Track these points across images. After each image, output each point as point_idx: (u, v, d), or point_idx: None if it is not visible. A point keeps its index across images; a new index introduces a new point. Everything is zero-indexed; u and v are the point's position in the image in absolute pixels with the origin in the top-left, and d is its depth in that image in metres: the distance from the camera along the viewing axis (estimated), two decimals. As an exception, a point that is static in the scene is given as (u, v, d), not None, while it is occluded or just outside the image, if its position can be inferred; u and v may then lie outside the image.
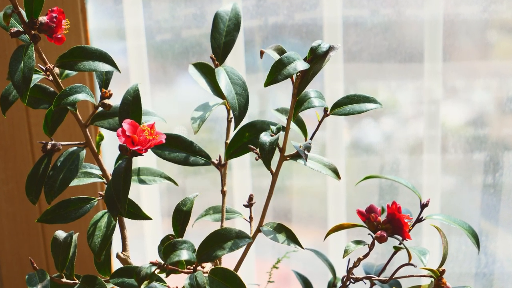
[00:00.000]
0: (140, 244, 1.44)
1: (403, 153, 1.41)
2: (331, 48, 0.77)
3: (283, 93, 1.35)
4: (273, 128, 0.79)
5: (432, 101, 1.33)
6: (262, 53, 0.80)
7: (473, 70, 1.36)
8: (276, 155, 0.82)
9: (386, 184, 1.38)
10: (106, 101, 0.81)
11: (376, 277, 0.80)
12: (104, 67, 0.80)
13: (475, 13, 1.30)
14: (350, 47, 1.31)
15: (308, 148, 0.77)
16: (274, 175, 0.79)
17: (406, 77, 1.37)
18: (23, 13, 0.76)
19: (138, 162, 1.02)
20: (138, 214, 0.82)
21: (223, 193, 0.86)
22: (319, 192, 1.44)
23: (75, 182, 0.81)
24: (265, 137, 0.79)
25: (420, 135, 1.34)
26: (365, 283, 0.85)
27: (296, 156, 0.78)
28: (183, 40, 1.35)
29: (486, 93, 1.36)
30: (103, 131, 0.86)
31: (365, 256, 0.78)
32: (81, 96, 0.79)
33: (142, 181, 0.87)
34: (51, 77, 0.81)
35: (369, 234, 0.78)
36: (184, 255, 0.77)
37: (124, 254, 0.84)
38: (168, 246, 0.77)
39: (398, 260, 0.86)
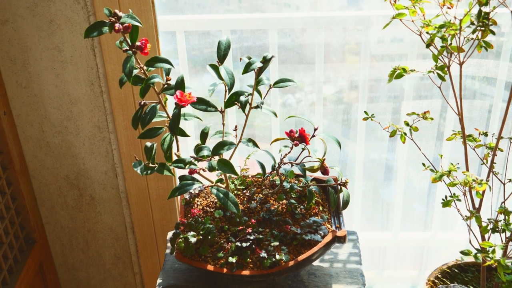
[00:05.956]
0: (185, 148, 1.79)
1: (307, 107, 1.80)
2: (272, 57, 1.22)
3: (250, 78, 1.66)
4: (246, 94, 1.24)
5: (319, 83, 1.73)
6: (240, 59, 1.23)
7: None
8: (247, 107, 1.24)
9: (298, 120, 1.79)
10: (168, 82, 1.22)
11: (293, 162, 1.28)
12: (167, 66, 1.17)
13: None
14: (281, 57, 1.68)
15: (262, 103, 1.26)
16: (247, 116, 1.28)
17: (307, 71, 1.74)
18: (129, 41, 1.15)
19: (183, 110, 1.33)
20: (183, 134, 1.21)
21: (223, 124, 1.31)
22: (268, 125, 1.82)
23: (154, 120, 1.18)
24: (242, 98, 1.22)
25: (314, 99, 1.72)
26: (290, 165, 1.33)
27: (257, 107, 1.25)
28: (204, 54, 1.69)
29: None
30: (168, 96, 1.24)
31: (288, 152, 1.28)
32: (156, 79, 1.16)
33: (185, 119, 1.25)
34: (142, 71, 1.20)
35: (291, 142, 1.27)
36: (205, 152, 1.15)
37: (177, 153, 1.29)
38: (198, 148, 1.17)
39: (304, 154, 1.32)
